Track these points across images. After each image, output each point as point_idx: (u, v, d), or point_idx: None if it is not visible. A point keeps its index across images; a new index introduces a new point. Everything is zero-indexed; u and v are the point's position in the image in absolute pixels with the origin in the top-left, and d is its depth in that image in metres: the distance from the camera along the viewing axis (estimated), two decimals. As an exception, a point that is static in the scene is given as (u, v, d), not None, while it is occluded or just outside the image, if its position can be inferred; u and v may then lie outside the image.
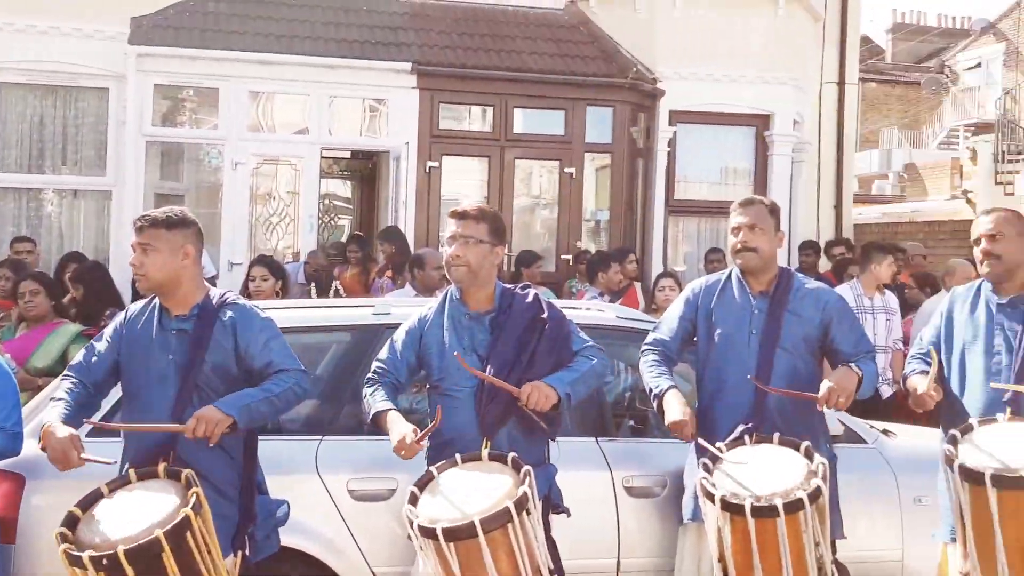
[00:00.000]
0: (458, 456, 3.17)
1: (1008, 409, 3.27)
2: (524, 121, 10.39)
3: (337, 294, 7.74)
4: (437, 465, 3.17)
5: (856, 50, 13.56)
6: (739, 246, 3.62)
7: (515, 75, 10.03)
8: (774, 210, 3.73)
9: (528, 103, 10.26)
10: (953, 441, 3.16)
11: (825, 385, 3.36)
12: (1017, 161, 16.87)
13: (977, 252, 3.49)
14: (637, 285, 8.12)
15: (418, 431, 3.15)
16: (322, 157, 10.25)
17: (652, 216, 10.92)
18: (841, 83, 12.91)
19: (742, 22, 11.01)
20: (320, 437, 3.82)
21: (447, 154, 10.03)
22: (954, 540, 3.26)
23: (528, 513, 2.93)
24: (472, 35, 10.48)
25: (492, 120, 10.19)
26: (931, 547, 3.59)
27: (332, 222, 12.18)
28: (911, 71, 31.67)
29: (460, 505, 2.94)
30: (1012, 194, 16.55)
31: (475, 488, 3.01)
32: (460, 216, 3.39)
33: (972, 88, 27.56)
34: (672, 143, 11.03)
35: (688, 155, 11.25)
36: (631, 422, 4.66)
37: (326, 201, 12.05)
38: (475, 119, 10.64)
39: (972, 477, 2.98)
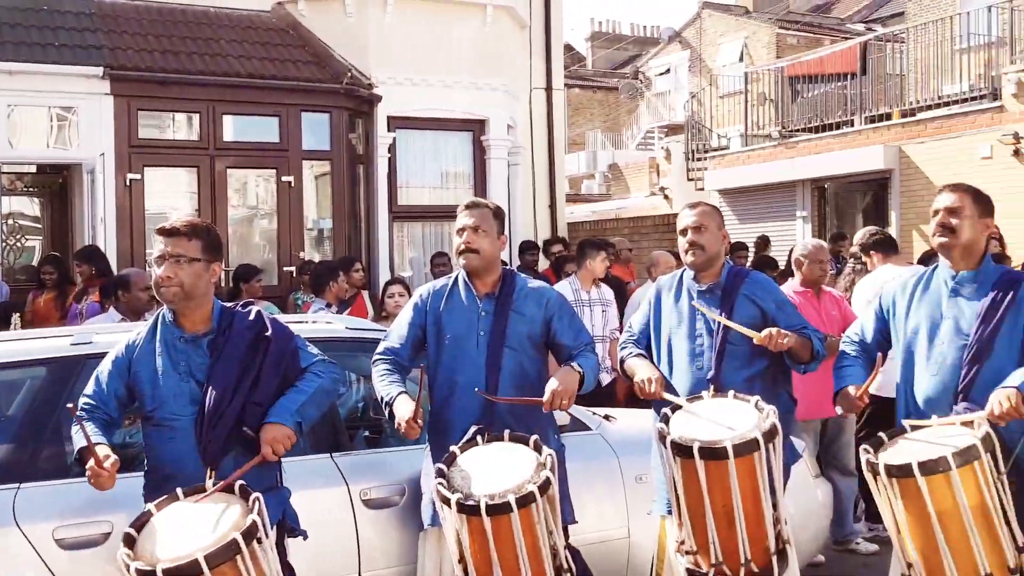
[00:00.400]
0: (179, 490, 2.95)
1: (711, 387, 3.56)
2: (235, 128, 9.96)
3: (24, 324, 6.91)
4: (156, 502, 2.93)
5: (561, 57, 14.30)
6: (463, 247, 3.66)
7: (222, 80, 9.59)
8: (498, 214, 3.80)
9: (238, 109, 9.86)
10: (665, 419, 3.39)
11: (549, 388, 3.46)
12: (705, 159, 18.55)
13: (683, 242, 3.73)
14: (364, 294, 8.03)
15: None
16: (3, 172, 9.24)
17: (376, 223, 10.87)
18: (549, 89, 13.55)
19: (452, 29, 11.24)
20: (17, 485, 3.40)
21: (149, 165, 9.42)
22: (670, 512, 3.49)
23: (259, 542, 2.78)
24: (171, 37, 9.90)
25: (199, 128, 9.68)
26: (654, 522, 3.81)
27: (18, 244, 10.97)
28: (609, 77, 33.91)
29: (183, 543, 2.73)
30: (702, 189, 18.16)
31: (198, 522, 2.80)
32: (169, 233, 3.14)
33: (663, 92, 29.93)
34: (392, 149, 11.03)
35: (408, 160, 11.31)
36: (366, 433, 4.58)
37: (10, 221, 10.85)
38: (180, 127, 10.06)
39: (682, 451, 3.20)
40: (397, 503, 3.86)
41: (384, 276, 10.13)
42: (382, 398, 3.56)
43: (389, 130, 10.89)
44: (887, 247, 6.11)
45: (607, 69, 34.81)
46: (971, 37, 15.47)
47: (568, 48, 25.15)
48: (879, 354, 3.42)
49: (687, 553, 3.35)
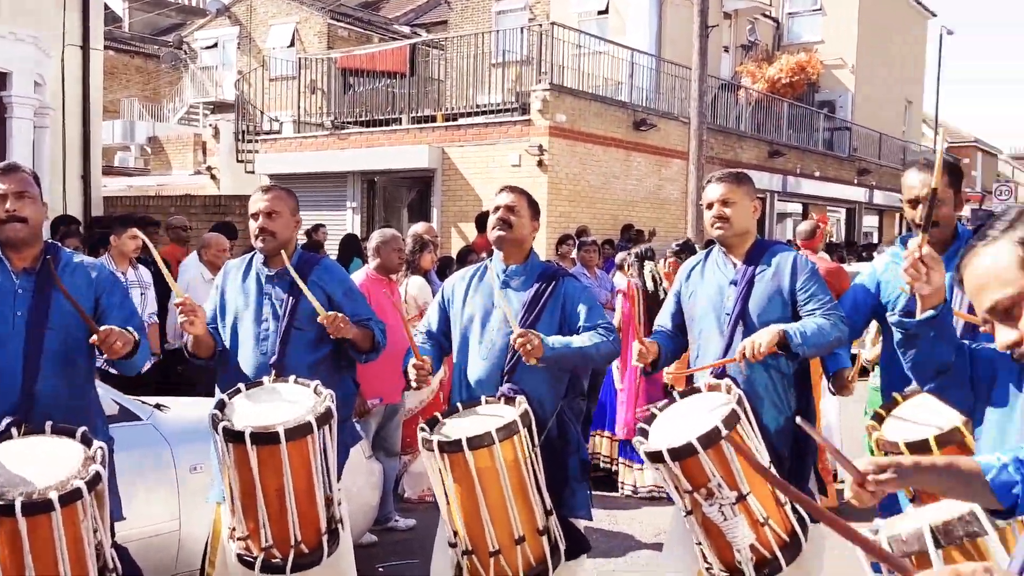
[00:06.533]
0: None
1: (273, 371, 3.53)
2: None
3: None
4: None
5: (101, 15, 13.09)
6: (3, 216, 3.19)
7: None
8: (38, 179, 3.38)
9: None
10: (221, 406, 3.34)
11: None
12: (256, 141, 18.21)
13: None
14: None
15: None
16: None
17: None
18: (85, 47, 12.32)
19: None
20: None
21: None
22: (225, 499, 3.41)
23: None
24: None
25: None
26: (209, 511, 3.69)
27: None
28: (149, 43, 31.73)
29: None
30: (252, 172, 17.82)
31: None
32: None
33: (210, 67, 28.71)
34: None
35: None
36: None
37: None
38: None
39: (234, 437, 3.16)
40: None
41: None
42: None
43: None
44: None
45: (146, 34, 32.53)
46: (504, 53, 17.13)
47: (104, 7, 23.03)
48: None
49: (239, 539, 3.31)
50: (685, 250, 7.35)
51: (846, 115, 27.71)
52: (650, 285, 6.70)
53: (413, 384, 3.51)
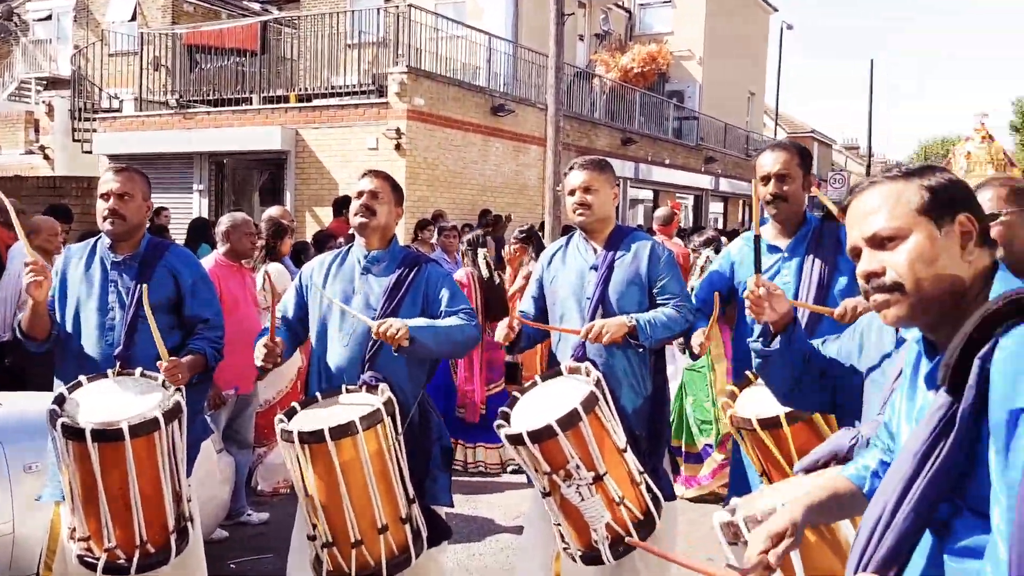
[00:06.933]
0: None
1: (118, 363, 3.35)
2: None
3: None
4: None
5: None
6: None
7: None
8: None
9: None
10: (60, 400, 3.15)
11: None
12: (94, 119, 17.25)
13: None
14: None
15: None
16: None
17: None
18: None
19: None
20: None
21: None
22: (64, 498, 3.23)
23: None
24: None
25: None
26: (46, 510, 3.49)
27: None
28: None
29: None
30: (90, 152, 16.88)
31: None
32: None
33: (44, 41, 26.97)
34: None
35: None
36: None
37: None
38: None
39: (74, 434, 3.00)
40: None
41: None
42: None
43: None
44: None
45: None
46: (360, 34, 16.82)
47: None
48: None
49: (80, 540, 3.15)
50: (529, 236, 7.48)
51: (694, 105, 28.74)
52: (484, 272, 6.77)
53: (258, 361, 3.38)
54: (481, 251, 6.86)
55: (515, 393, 3.47)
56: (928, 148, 62.21)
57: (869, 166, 33.53)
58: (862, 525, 1.54)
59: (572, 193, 3.63)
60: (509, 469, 6.87)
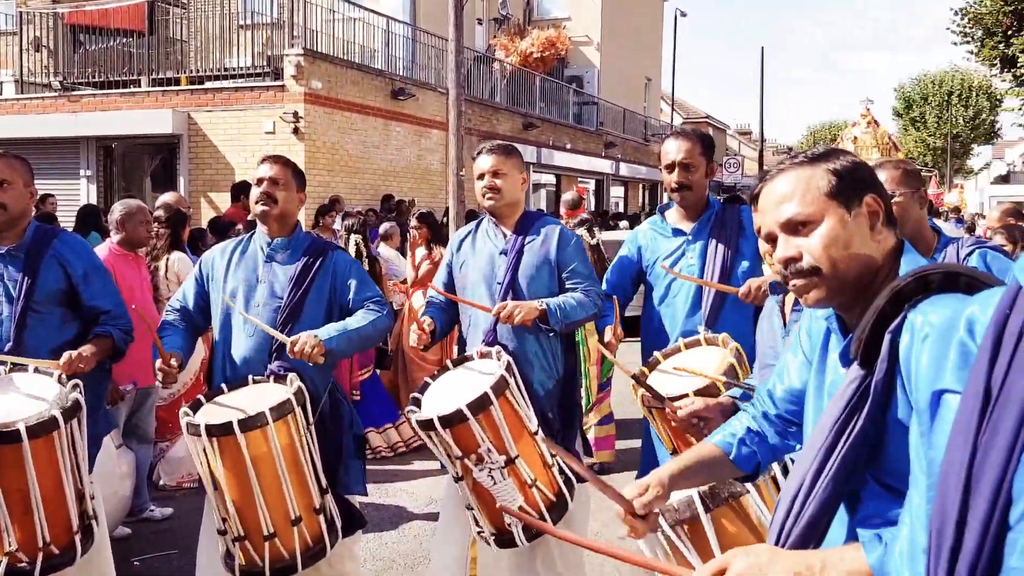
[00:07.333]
0: None
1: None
2: None
3: None
4: None
5: None
6: None
7: None
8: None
9: None
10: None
11: None
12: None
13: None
14: None
15: None
16: None
17: None
18: None
19: None
20: None
21: None
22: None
23: None
24: None
25: None
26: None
27: None
28: None
29: None
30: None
31: None
32: None
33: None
34: None
35: None
36: None
37: None
38: None
39: None
40: None
41: None
42: None
43: None
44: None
45: None
46: (253, 15, 16.37)
47: None
48: None
49: (-24, 547, 2.99)
50: (424, 220, 7.54)
51: (593, 90, 29.05)
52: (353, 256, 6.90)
53: (159, 382, 3.31)
54: (354, 236, 6.93)
55: (427, 379, 3.46)
56: (816, 133, 64.60)
57: (761, 151, 34.54)
58: (781, 498, 1.59)
59: (481, 177, 3.62)
60: (399, 451, 6.92)
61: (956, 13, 24.40)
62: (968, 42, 24.67)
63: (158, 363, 3.25)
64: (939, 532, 0.95)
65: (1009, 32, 22.57)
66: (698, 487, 2.31)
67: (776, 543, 1.55)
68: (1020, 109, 24.12)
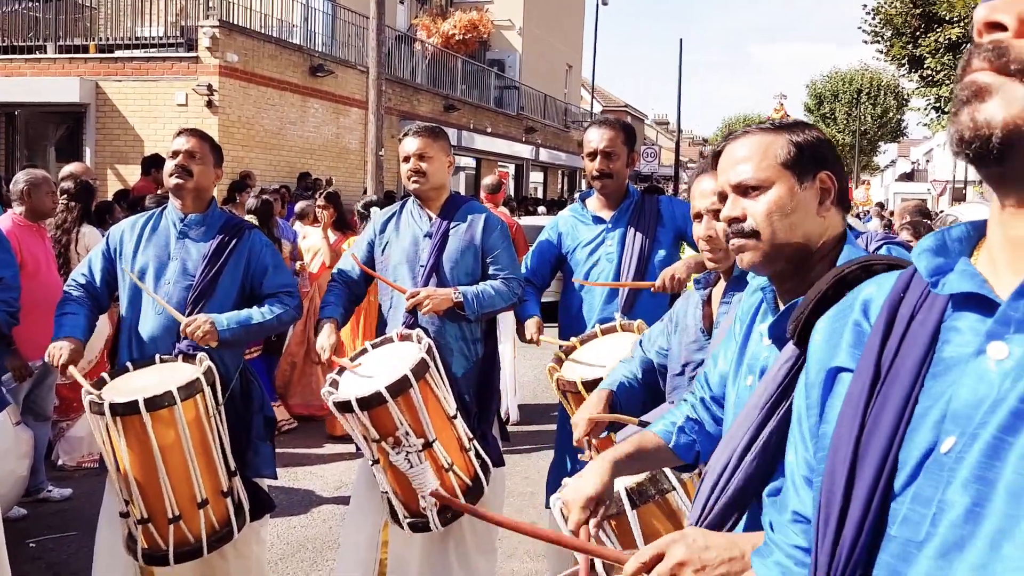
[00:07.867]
0: None
1: None
2: None
3: None
4: None
5: None
6: None
7: None
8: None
9: None
10: None
11: None
12: None
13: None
14: None
15: None
16: None
17: None
18: None
19: None
20: None
21: None
22: None
23: None
24: None
25: None
26: None
27: None
28: None
29: None
30: None
31: None
32: None
33: None
34: None
35: None
36: None
37: None
38: None
39: None
40: None
41: None
42: None
43: None
44: None
45: None
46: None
47: None
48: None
49: None
50: (331, 200, 7.48)
51: (514, 75, 29.03)
52: None
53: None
54: (250, 217, 6.88)
55: (344, 362, 3.40)
56: (731, 125, 65.92)
57: (678, 141, 35.04)
58: (707, 472, 1.61)
59: (407, 160, 3.57)
60: (284, 429, 6.84)
61: (868, 12, 25.09)
62: (878, 41, 25.39)
63: (59, 343, 3.13)
64: (827, 501, 0.98)
65: (917, 33, 23.31)
66: (625, 483, 2.33)
67: (699, 517, 1.57)
68: (926, 109, 24.98)
